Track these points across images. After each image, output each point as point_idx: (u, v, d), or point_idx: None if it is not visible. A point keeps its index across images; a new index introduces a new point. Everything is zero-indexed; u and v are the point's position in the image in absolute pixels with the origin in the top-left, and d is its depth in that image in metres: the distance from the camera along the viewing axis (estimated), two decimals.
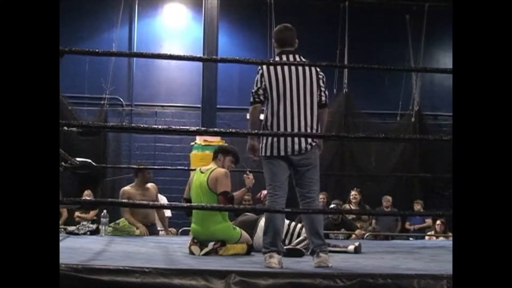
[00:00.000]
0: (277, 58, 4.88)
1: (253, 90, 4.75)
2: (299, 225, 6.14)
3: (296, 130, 4.65)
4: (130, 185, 8.53)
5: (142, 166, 8.75)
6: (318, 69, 4.82)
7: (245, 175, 6.35)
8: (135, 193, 8.26)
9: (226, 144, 6.98)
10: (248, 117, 4.88)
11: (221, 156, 6.18)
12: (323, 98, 4.83)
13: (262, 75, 4.74)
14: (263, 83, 4.72)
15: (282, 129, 4.64)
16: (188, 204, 5.85)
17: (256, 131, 4.79)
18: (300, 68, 4.75)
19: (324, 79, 4.85)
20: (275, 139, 4.67)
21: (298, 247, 5.71)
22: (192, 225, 5.92)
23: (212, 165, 6.07)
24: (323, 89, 4.82)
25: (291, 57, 4.83)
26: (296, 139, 4.66)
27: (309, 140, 4.69)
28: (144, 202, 7.50)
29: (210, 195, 5.78)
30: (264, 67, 4.77)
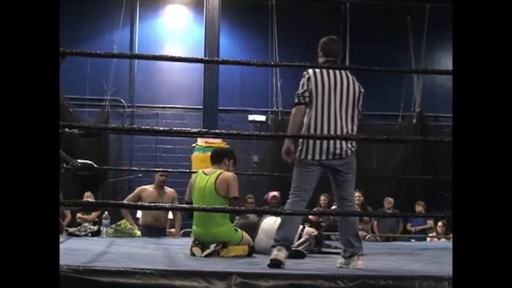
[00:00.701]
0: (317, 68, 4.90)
1: (299, 92, 4.75)
2: (301, 227, 6.13)
3: (332, 140, 4.68)
4: (150, 185, 8.58)
5: (158, 169, 8.82)
6: (360, 86, 4.87)
7: None
8: (150, 193, 8.30)
9: (226, 146, 6.97)
10: (291, 118, 4.83)
11: (226, 161, 6.10)
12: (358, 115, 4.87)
13: (309, 78, 4.75)
14: (310, 87, 4.73)
15: (325, 132, 4.66)
16: (190, 206, 5.83)
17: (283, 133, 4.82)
18: (344, 79, 4.79)
19: (362, 96, 4.89)
20: (313, 143, 4.68)
21: (299, 248, 5.71)
22: (194, 227, 5.89)
23: (216, 168, 5.99)
24: (360, 106, 4.86)
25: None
26: (337, 144, 4.67)
27: (349, 144, 4.72)
28: (145, 204, 7.49)
29: (216, 198, 5.73)
30: (310, 71, 4.79)
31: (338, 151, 4.67)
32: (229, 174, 5.88)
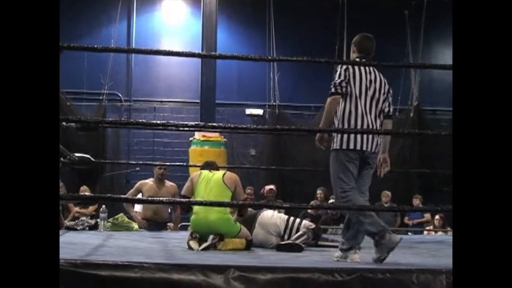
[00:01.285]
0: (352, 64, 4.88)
1: (337, 82, 4.67)
2: (298, 220, 6.14)
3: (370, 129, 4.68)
4: (150, 179, 8.59)
5: (155, 163, 8.83)
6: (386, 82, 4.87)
7: None
8: (150, 186, 8.30)
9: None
10: (326, 107, 4.76)
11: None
12: (391, 109, 4.86)
13: (346, 69, 4.70)
14: (347, 77, 4.67)
15: (359, 124, 4.64)
16: (188, 199, 5.83)
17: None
18: (377, 76, 4.79)
19: (391, 92, 4.89)
20: (354, 134, 4.63)
21: (297, 242, 5.71)
22: (193, 216, 5.89)
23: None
24: (390, 100, 4.86)
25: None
26: (375, 138, 4.68)
27: (379, 140, 4.74)
28: (142, 198, 7.49)
29: (225, 189, 5.88)
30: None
31: (374, 144, 4.68)
32: (234, 175, 6.14)
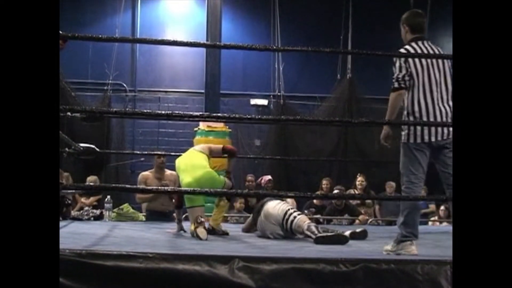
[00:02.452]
0: (410, 45, 4.73)
1: (399, 76, 4.55)
2: (294, 214, 5.94)
3: (439, 119, 4.53)
4: (149, 170, 8.56)
5: (160, 153, 8.80)
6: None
7: None
8: (152, 178, 8.28)
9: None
10: (390, 103, 4.65)
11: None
12: None
13: (406, 60, 4.58)
14: (409, 69, 4.55)
15: (431, 114, 4.53)
16: (192, 189, 5.84)
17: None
18: (436, 51, 4.66)
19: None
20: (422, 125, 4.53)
21: (325, 234, 5.52)
22: (183, 182, 6.07)
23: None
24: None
25: (425, 44, 4.70)
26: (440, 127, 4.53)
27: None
28: (147, 187, 7.48)
29: (198, 152, 6.33)
30: (404, 51, 4.64)
31: (446, 130, 4.53)
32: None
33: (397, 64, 4.59)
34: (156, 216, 8.23)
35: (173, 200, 8.60)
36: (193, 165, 6.09)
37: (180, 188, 6.23)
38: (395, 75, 4.59)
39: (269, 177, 10.57)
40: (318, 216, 9.66)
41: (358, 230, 6.14)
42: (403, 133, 4.66)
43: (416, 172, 4.58)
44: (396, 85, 4.57)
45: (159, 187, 7.54)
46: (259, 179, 10.61)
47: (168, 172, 8.49)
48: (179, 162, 6.29)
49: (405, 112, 4.64)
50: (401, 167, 4.67)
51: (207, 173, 6.02)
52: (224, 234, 6.12)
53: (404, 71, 4.54)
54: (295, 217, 5.81)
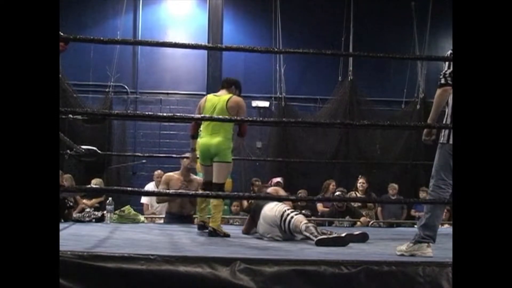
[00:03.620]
0: None
1: (447, 72, 4.42)
2: (291, 214, 5.91)
3: None
4: (176, 172, 8.37)
5: (161, 155, 8.70)
6: None
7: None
8: (176, 180, 8.11)
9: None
10: (435, 99, 4.52)
11: (235, 90, 6.66)
12: None
13: None
14: None
15: None
16: (201, 192, 5.86)
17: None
18: None
19: None
20: None
21: (326, 237, 5.46)
22: (200, 140, 6.41)
23: (226, 93, 6.55)
24: None
25: None
26: None
27: None
28: (139, 190, 7.47)
29: (226, 114, 6.28)
30: None
31: None
32: (240, 99, 6.47)
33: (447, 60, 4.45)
34: (175, 219, 8.11)
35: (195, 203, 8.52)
36: (217, 127, 6.33)
37: (182, 191, 6.24)
38: (443, 70, 4.47)
39: (279, 179, 10.56)
40: (320, 218, 9.67)
41: (356, 232, 6.07)
42: (443, 132, 4.54)
43: (446, 178, 4.47)
44: (442, 81, 4.45)
45: (161, 190, 7.55)
46: (269, 181, 10.61)
47: (194, 177, 8.34)
48: (207, 106, 6.52)
49: (447, 111, 4.53)
50: (434, 169, 4.57)
51: (222, 144, 6.28)
52: (226, 236, 6.12)
53: (452, 68, 4.39)
54: (292, 217, 5.80)
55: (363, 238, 5.96)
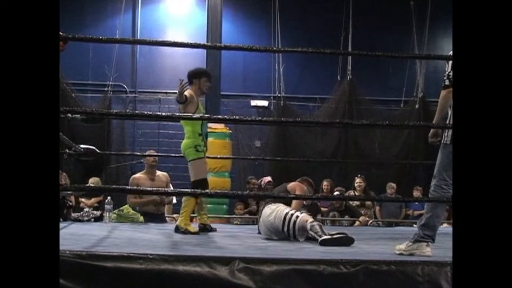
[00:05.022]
0: None
1: (451, 73, 4.35)
2: (296, 213, 5.87)
3: None
4: (141, 172, 8.47)
5: (161, 154, 8.71)
6: None
7: None
8: (144, 179, 8.17)
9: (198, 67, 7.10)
10: (440, 101, 4.46)
11: (196, 81, 6.60)
12: None
13: None
14: None
15: None
16: (190, 190, 5.85)
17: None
18: None
19: None
20: None
21: (332, 237, 5.40)
22: None
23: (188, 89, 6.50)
24: None
25: None
26: None
27: None
28: (138, 189, 7.47)
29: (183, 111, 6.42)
30: None
31: None
32: (188, 90, 6.42)
33: (450, 61, 4.40)
34: (149, 218, 8.14)
35: (164, 201, 8.57)
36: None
37: (177, 189, 6.24)
38: (447, 71, 4.44)
39: (269, 178, 10.58)
40: (320, 218, 9.66)
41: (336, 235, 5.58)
42: (446, 133, 4.49)
43: (447, 179, 4.44)
44: (447, 82, 4.41)
45: (159, 189, 7.54)
46: (260, 181, 10.63)
47: (159, 173, 8.39)
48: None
49: (451, 112, 4.47)
50: (436, 169, 4.51)
51: (186, 145, 6.53)
52: (189, 233, 6.22)
53: None
54: (297, 216, 5.71)
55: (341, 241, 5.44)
